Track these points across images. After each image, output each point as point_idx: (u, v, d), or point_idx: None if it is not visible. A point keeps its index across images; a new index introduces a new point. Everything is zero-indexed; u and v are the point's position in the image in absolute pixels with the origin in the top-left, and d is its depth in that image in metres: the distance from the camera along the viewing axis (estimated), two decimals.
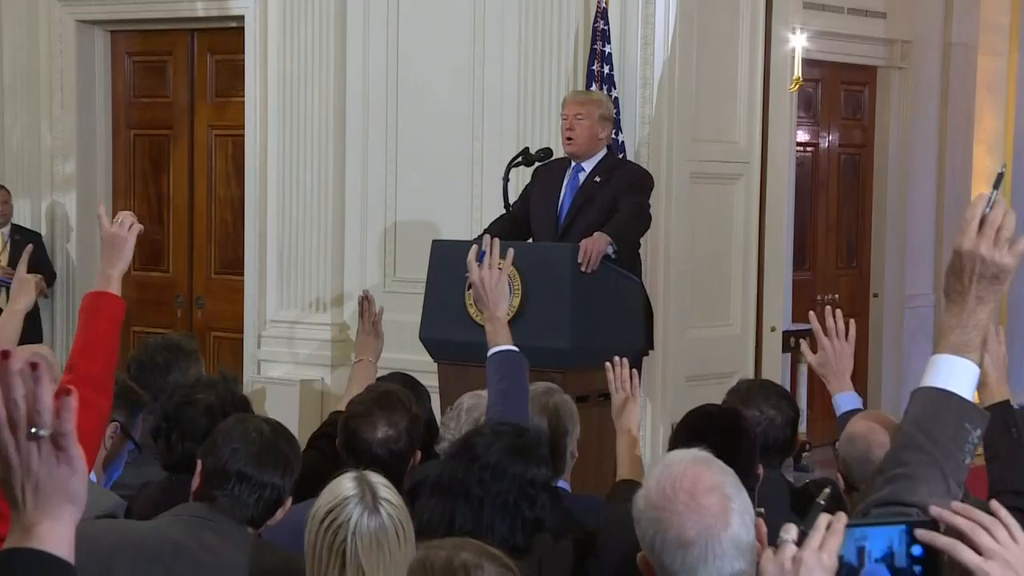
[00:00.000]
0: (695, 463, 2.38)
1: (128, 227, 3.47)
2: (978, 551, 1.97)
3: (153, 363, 4.69)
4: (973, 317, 2.27)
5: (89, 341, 3.31)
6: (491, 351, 4.00)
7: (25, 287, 4.40)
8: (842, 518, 2.02)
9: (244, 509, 3.05)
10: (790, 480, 4.38)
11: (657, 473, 2.38)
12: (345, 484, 2.73)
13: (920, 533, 2.00)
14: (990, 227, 2.22)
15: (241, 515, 3.05)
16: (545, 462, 3.29)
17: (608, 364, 4.29)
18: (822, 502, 2.10)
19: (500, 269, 4.15)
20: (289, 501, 3.14)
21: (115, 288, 3.40)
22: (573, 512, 3.79)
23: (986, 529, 1.99)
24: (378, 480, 2.76)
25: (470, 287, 4.19)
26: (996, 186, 2.23)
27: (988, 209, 2.22)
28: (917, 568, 2.00)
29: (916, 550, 2.00)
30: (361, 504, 2.68)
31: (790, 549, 2.02)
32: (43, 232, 9.21)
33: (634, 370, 4.27)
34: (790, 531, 2.03)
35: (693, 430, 3.51)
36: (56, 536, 1.71)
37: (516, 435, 3.29)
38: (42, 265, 8.79)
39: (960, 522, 2.00)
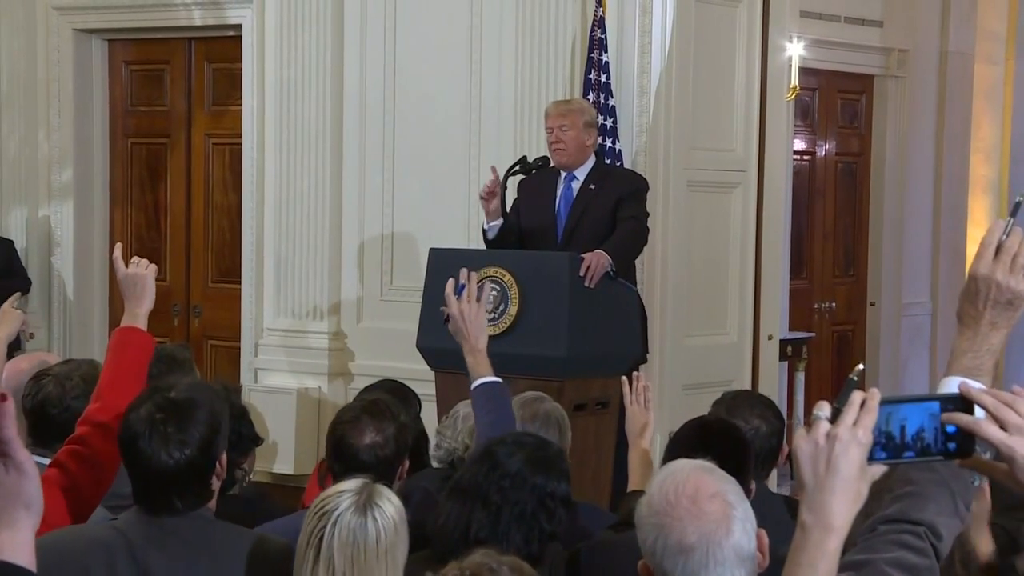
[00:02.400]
0: (698, 470, 2.39)
1: (145, 267, 3.56)
2: (1004, 427, 1.98)
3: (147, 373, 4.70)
4: (986, 341, 2.29)
5: (117, 374, 3.37)
6: (475, 384, 4.01)
7: (8, 318, 4.48)
8: (876, 395, 1.99)
9: (180, 500, 3.03)
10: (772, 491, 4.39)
11: (659, 480, 2.39)
12: (349, 482, 2.77)
13: (945, 416, 1.99)
14: (1007, 254, 2.23)
15: (177, 507, 3.03)
16: (566, 477, 3.31)
17: (624, 378, 4.37)
18: (855, 379, 2.07)
19: (479, 301, 4.16)
20: (223, 456, 3.10)
21: (143, 326, 3.47)
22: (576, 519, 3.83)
23: (1010, 406, 2.00)
24: (384, 491, 2.77)
25: (447, 320, 4.20)
26: (1014, 214, 2.25)
27: (1005, 236, 2.23)
28: (951, 445, 2.00)
29: (950, 427, 2.00)
30: (352, 500, 2.70)
31: (824, 426, 1.98)
32: (39, 240, 9.20)
33: (648, 384, 4.35)
34: (823, 408, 1.99)
35: (692, 440, 3.52)
36: (14, 544, 1.71)
37: (538, 447, 3.31)
38: (15, 272, 8.79)
39: (986, 400, 2.00)
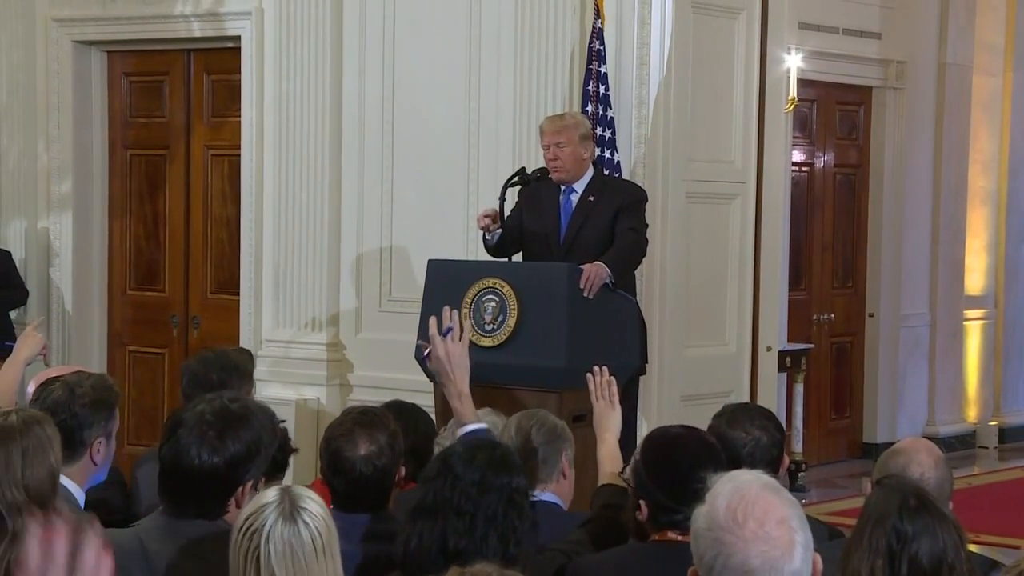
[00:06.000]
0: (767, 491, 2.36)
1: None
2: None
3: (207, 379, 4.83)
4: None
5: None
6: (463, 431, 4.01)
7: (29, 341, 4.54)
8: None
9: (195, 504, 3.06)
10: None
11: (727, 494, 2.35)
12: (268, 494, 2.74)
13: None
14: None
15: (192, 511, 3.06)
16: (521, 471, 3.32)
17: (588, 375, 4.39)
18: None
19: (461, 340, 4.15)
20: (245, 489, 3.13)
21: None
22: (565, 527, 3.84)
23: None
24: (304, 492, 2.75)
25: (427, 354, 4.17)
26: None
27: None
28: None
29: None
30: (278, 511, 2.68)
31: None
32: (37, 252, 9.20)
33: (612, 378, 4.38)
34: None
35: (663, 455, 3.50)
36: None
37: (492, 448, 3.33)
38: (13, 283, 8.78)
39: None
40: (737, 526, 2.30)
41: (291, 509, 2.67)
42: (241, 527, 2.68)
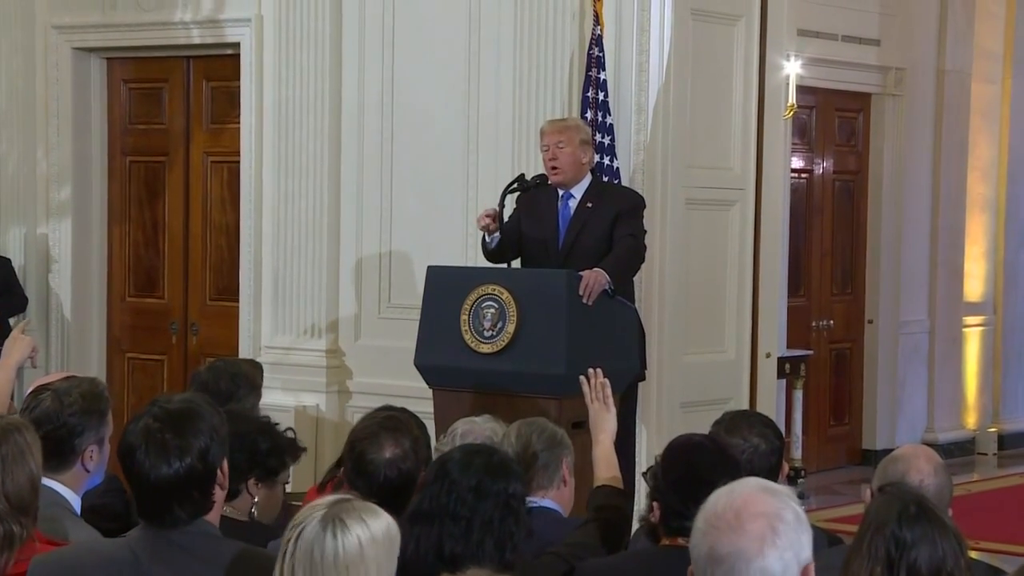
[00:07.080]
0: (759, 489, 2.38)
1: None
2: None
3: (216, 388, 4.90)
4: None
5: None
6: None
7: (19, 344, 4.52)
8: None
9: (181, 509, 3.03)
10: None
11: (723, 495, 2.38)
12: (323, 499, 2.74)
13: None
14: None
15: (179, 516, 3.04)
16: (519, 477, 3.33)
17: (583, 377, 4.46)
18: None
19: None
20: (223, 470, 3.09)
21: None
22: (564, 534, 3.85)
23: None
24: (362, 506, 2.73)
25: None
26: None
27: None
28: None
29: None
30: (320, 515, 2.67)
31: None
32: (36, 258, 9.21)
33: (606, 380, 4.45)
34: None
35: (682, 459, 3.51)
36: None
37: (489, 454, 3.32)
38: (13, 290, 8.79)
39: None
40: (718, 518, 2.33)
41: (331, 519, 2.67)
42: (294, 519, 2.72)
